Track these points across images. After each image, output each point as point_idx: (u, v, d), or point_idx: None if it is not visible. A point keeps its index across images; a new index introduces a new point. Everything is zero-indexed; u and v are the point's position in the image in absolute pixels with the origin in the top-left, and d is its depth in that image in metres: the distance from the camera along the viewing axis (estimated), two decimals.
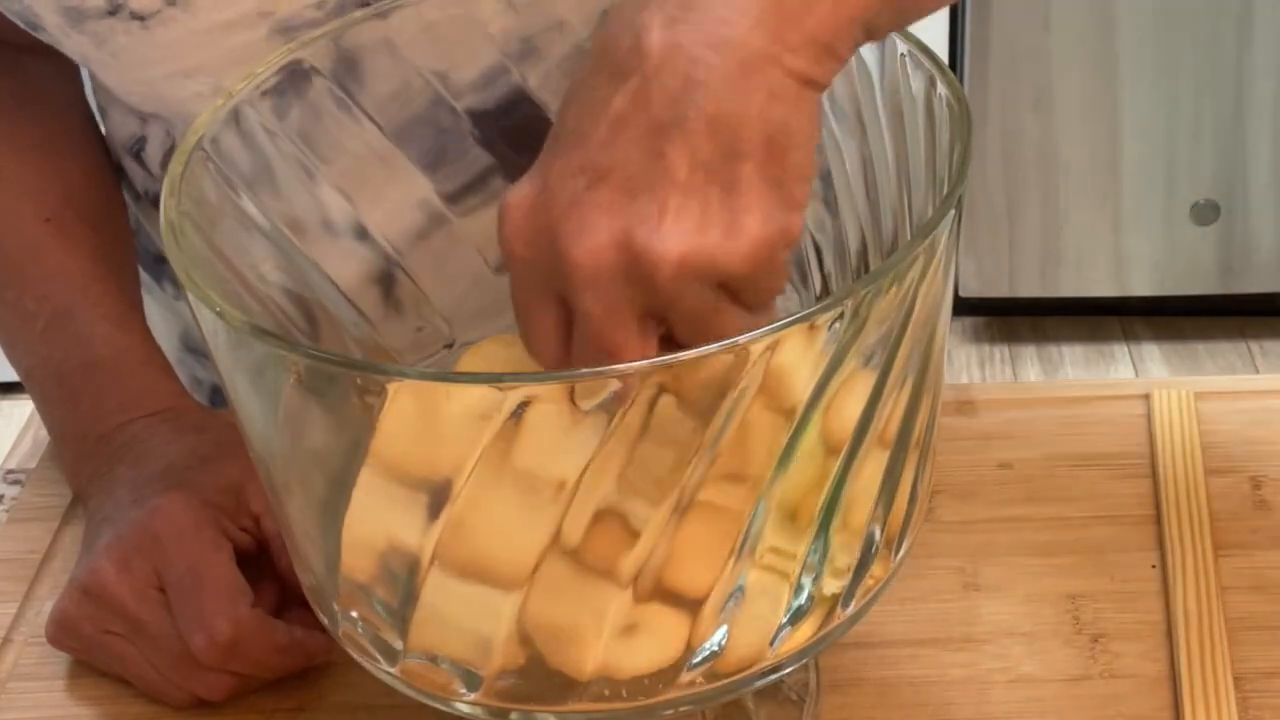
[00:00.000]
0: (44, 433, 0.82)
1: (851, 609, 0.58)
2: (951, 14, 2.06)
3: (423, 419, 0.50)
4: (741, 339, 0.48)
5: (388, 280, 0.68)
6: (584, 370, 0.49)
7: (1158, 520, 0.77)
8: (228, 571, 0.68)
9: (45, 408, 0.80)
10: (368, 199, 0.67)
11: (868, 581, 0.58)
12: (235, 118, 0.61)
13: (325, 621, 0.60)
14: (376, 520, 0.54)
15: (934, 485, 0.79)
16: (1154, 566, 0.74)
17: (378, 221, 0.68)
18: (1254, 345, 2.25)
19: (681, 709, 0.56)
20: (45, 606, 0.76)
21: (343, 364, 0.52)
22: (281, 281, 0.63)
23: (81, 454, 0.77)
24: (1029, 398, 0.85)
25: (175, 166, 0.57)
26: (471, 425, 0.49)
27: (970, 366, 2.21)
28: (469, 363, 0.64)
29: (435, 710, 0.58)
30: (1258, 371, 2.20)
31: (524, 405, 0.48)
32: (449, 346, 0.69)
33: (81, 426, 0.77)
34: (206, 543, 0.69)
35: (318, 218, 0.66)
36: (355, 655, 0.59)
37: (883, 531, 0.57)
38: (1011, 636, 0.72)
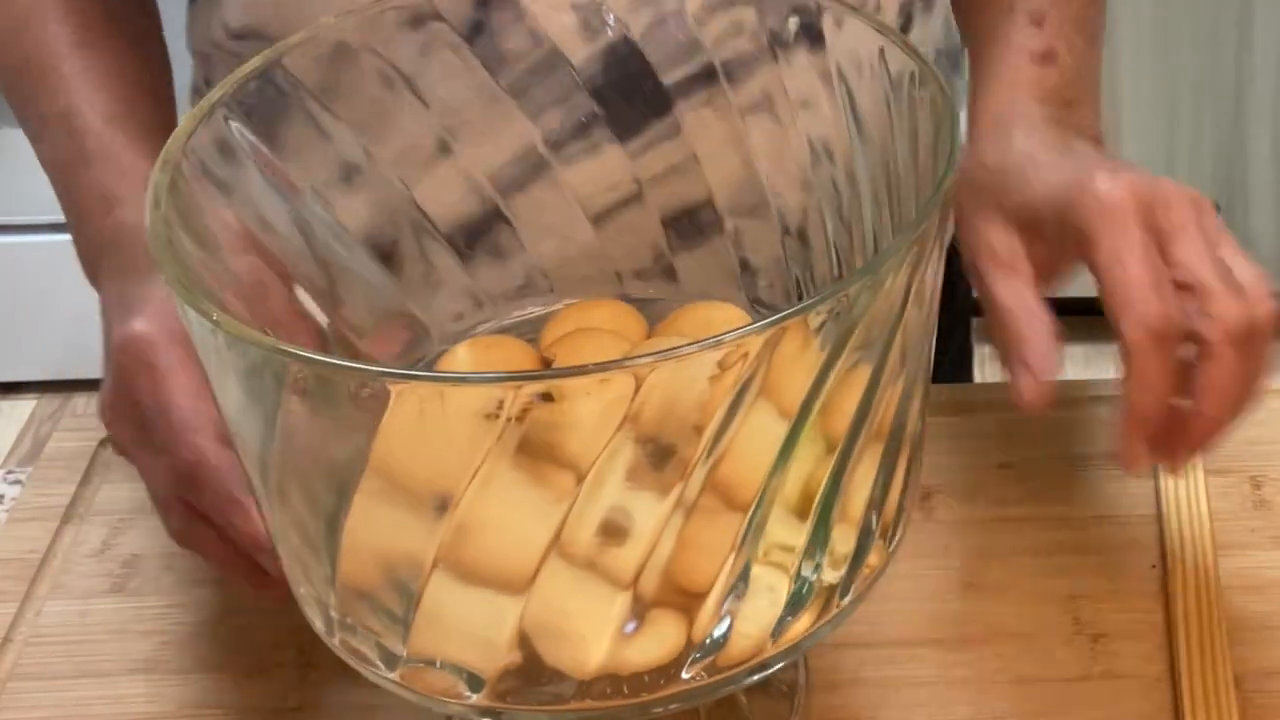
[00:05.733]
0: (44, 431, 0.82)
1: (849, 599, 0.58)
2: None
3: (426, 421, 0.50)
4: (742, 335, 0.48)
5: (488, 228, 0.69)
6: (587, 365, 0.49)
7: (1158, 520, 0.77)
8: (190, 400, 0.67)
9: (60, 203, 0.79)
10: (471, 144, 0.68)
11: (864, 571, 0.58)
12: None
13: (321, 629, 0.60)
14: (379, 524, 0.54)
15: (934, 485, 0.79)
16: (1154, 566, 0.74)
17: (481, 166, 0.69)
18: None
19: (681, 703, 0.56)
20: (45, 606, 0.76)
21: (343, 367, 0.51)
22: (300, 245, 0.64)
23: (84, 249, 0.77)
24: None
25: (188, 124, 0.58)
26: (476, 426, 0.49)
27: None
28: (448, 367, 0.64)
29: (436, 712, 0.58)
30: None
31: (528, 405, 0.49)
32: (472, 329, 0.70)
33: (79, 220, 0.77)
34: (172, 373, 0.68)
35: (425, 156, 0.67)
36: (353, 663, 0.59)
37: (879, 521, 0.58)
38: (1011, 636, 0.72)
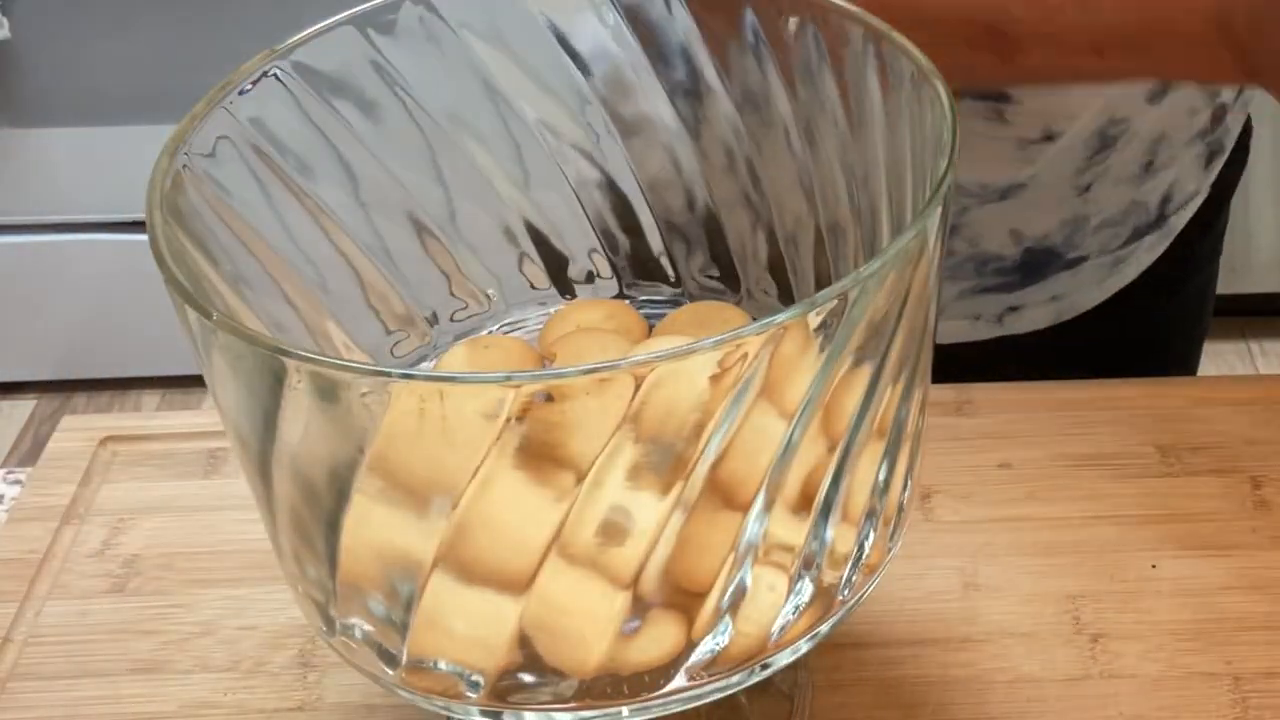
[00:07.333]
0: (44, 431, 0.82)
1: (849, 598, 0.58)
2: None
3: (426, 421, 0.50)
4: (742, 335, 0.48)
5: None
6: (587, 365, 0.49)
7: (1158, 520, 0.77)
8: None
9: None
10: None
11: (864, 570, 0.58)
12: None
13: (321, 629, 0.60)
14: (379, 524, 0.54)
15: (934, 485, 0.79)
16: (1154, 566, 0.74)
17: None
18: (1254, 345, 2.26)
19: (681, 703, 0.56)
20: (45, 606, 0.76)
21: (344, 367, 0.51)
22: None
23: None
24: (1029, 398, 0.85)
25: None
26: (476, 426, 0.49)
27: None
28: (448, 367, 0.64)
29: (435, 712, 0.58)
30: (1258, 371, 2.20)
31: (528, 405, 0.49)
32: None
33: None
34: None
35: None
36: (353, 663, 0.59)
37: (879, 520, 0.58)
38: (1011, 636, 0.72)
